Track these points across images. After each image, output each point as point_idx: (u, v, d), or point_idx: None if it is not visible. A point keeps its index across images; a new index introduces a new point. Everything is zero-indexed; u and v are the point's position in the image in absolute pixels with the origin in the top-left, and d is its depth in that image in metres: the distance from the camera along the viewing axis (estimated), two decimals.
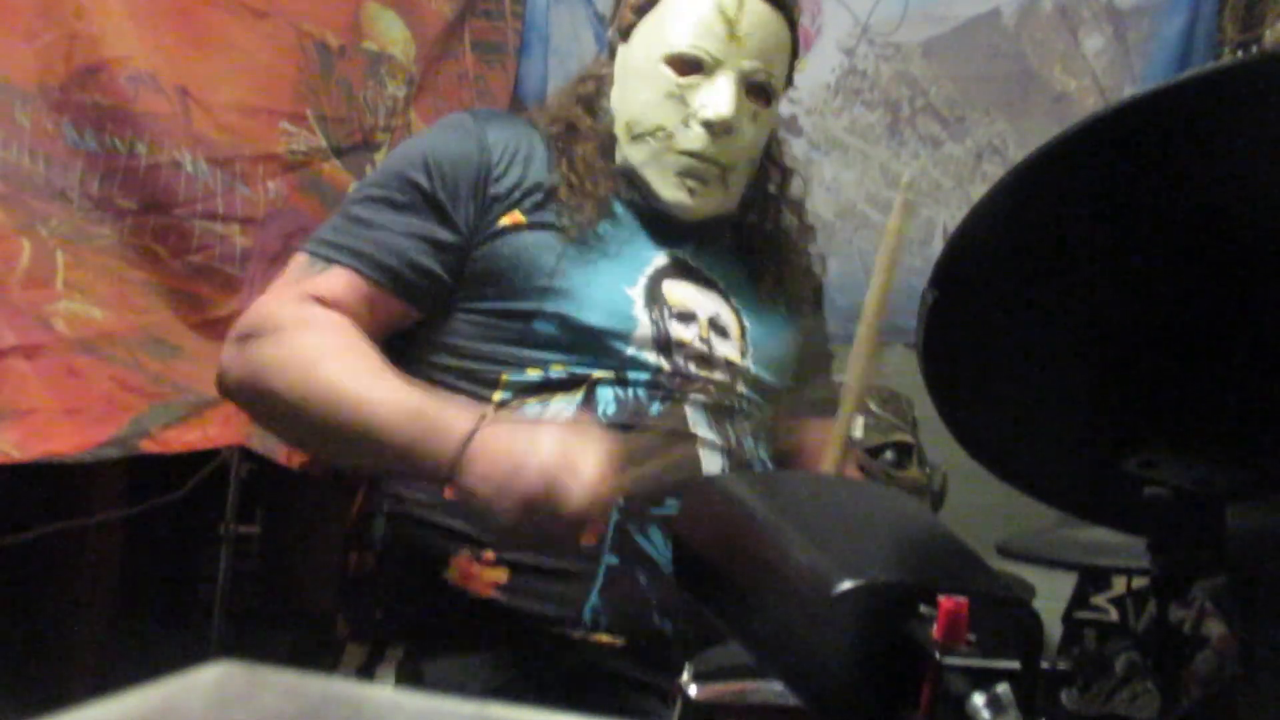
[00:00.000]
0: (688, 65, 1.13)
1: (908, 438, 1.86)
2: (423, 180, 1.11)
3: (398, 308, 1.11)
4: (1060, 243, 0.55)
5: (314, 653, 1.08)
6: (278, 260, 1.76)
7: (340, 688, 0.33)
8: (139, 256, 1.63)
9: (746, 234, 1.26)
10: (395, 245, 1.10)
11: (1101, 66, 2.15)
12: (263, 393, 1.04)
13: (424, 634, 1.05)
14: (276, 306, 1.08)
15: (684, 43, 1.12)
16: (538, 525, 0.91)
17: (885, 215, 2.23)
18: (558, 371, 1.08)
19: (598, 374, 1.08)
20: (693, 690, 0.68)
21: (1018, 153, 2.18)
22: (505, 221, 1.11)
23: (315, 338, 1.04)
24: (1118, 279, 0.55)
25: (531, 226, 1.12)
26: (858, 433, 1.83)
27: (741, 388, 1.16)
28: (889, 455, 1.84)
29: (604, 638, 1.02)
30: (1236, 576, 0.56)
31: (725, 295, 1.20)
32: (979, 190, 0.53)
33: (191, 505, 1.79)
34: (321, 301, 1.07)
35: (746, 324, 1.20)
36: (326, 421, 1.00)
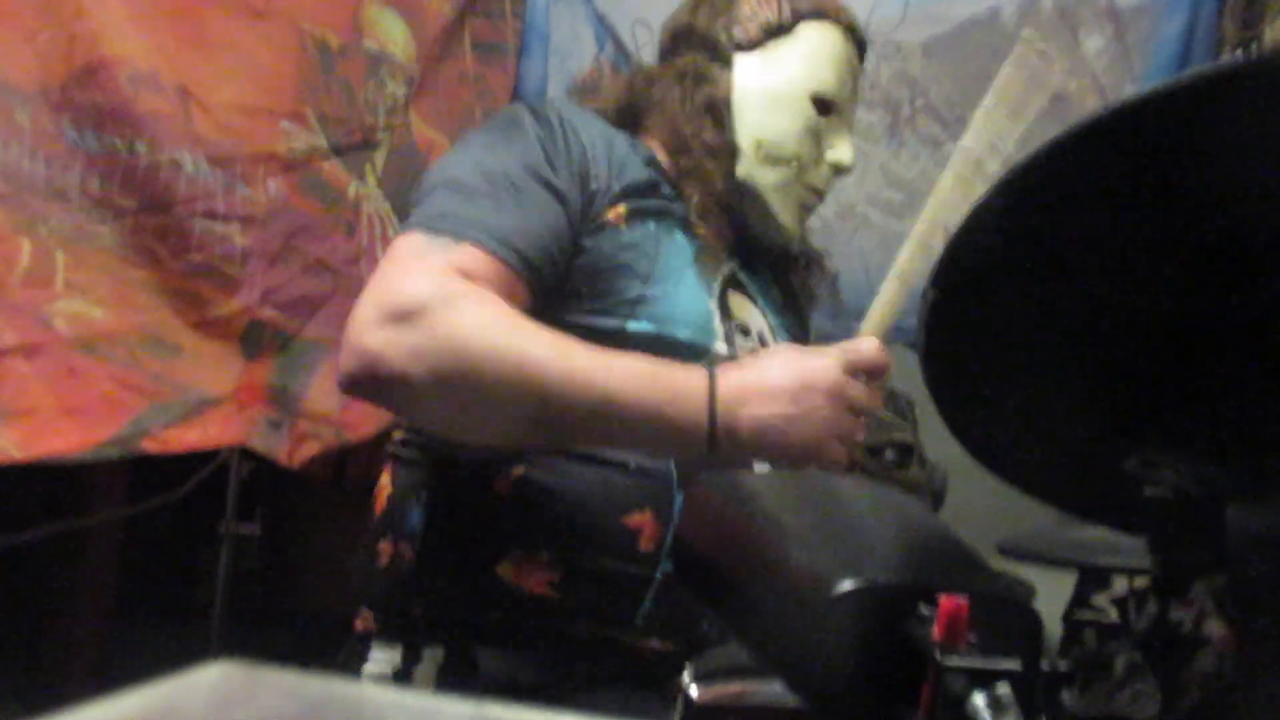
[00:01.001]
0: (825, 107, 1.19)
1: (908, 438, 1.85)
2: (543, 167, 1.07)
3: (519, 292, 1.02)
4: (1061, 242, 0.55)
5: (314, 653, 1.06)
6: (278, 260, 1.76)
7: (340, 688, 0.33)
8: (139, 256, 1.63)
9: (780, 263, 1.30)
10: (524, 227, 1.03)
11: (1101, 66, 2.15)
12: (456, 370, 0.92)
13: (467, 632, 1.03)
14: (435, 278, 0.96)
15: (830, 87, 1.19)
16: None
17: (885, 215, 2.23)
18: None
19: None
20: (693, 691, 0.68)
21: (1018, 153, 2.17)
22: (610, 215, 1.09)
23: (503, 310, 0.95)
24: (1118, 278, 0.55)
25: (630, 226, 1.10)
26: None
27: None
28: (889, 455, 1.84)
29: (653, 643, 1.02)
30: (1236, 576, 0.56)
31: (764, 314, 1.22)
32: (980, 191, 0.53)
33: (191, 505, 1.79)
34: (467, 273, 0.98)
35: (782, 341, 1.24)
36: (550, 399, 0.91)
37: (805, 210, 1.23)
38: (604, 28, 2.33)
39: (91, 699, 0.30)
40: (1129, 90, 2.05)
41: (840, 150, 1.20)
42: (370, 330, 0.94)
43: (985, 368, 0.61)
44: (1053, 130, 0.49)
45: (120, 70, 1.59)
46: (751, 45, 1.20)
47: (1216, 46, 2.06)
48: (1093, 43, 2.17)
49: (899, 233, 2.28)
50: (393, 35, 2.02)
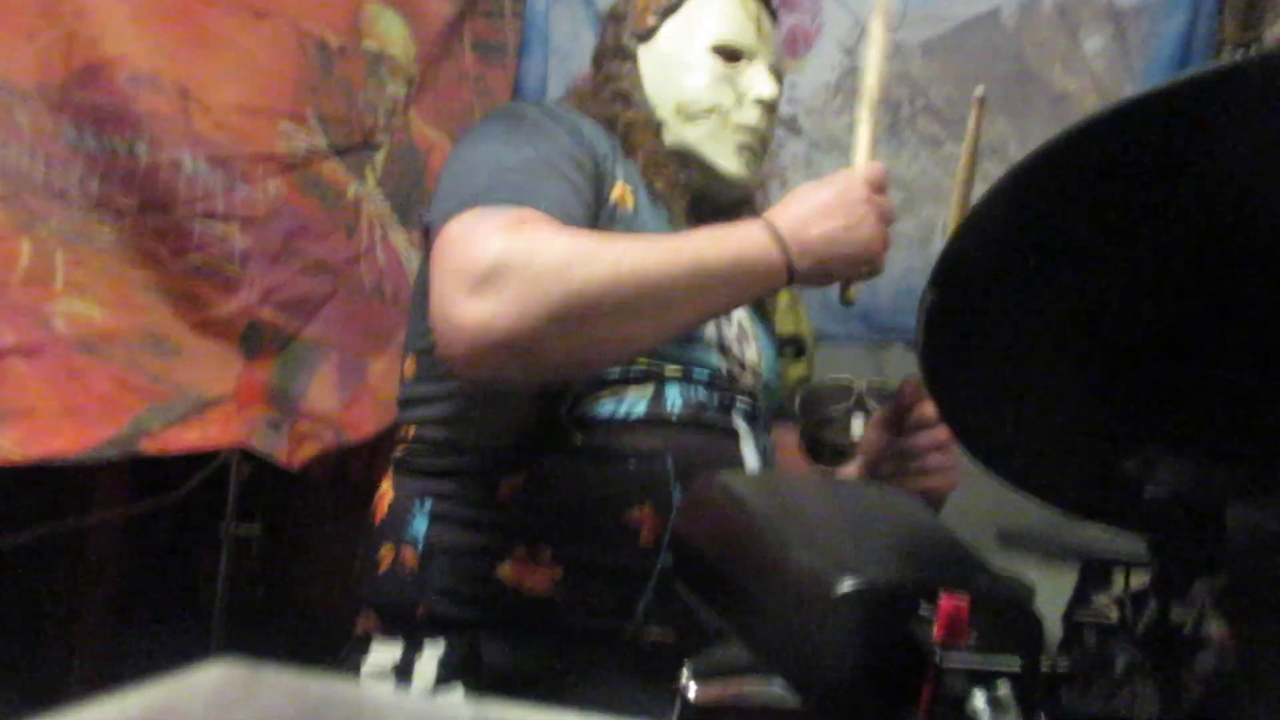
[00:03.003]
0: (731, 54, 1.24)
1: None
2: (559, 152, 1.09)
3: None
4: (1060, 242, 0.55)
5: (314, 653, 1.06)
6: (277, 260, 1.77)
7: (340, 688, 0.33)
8: (139, 256, 1.63)
9: None
10: (566, 200, 1.04)
11: (1101, 66, 2.15)
12: (558, 304, 0.91)
13: (469, 628, 1.05)
14: (502, 236, 0.95)
15: (728, 35, 1.24)
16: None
17: None
18: (638, 367, 1.09)
19: (669, 370, 1.10)
20: (692, 691, 0.68)
21: (1018, 153, 2.17)
22: (615, 193, 1.14)
23: (571, 235, 0.97)
24: (1118, 278, 0.55)
25: (637, 204, 1.15)
26: (857, 431, 1.84)
27: (760, 394, 1.21)
28: None
29: (654, 633, 1.04)
30: (1236, 576, 0.56)
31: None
32: (979, 190, 0.53)
33: (191, 505, 1.79)
34: (528, 223, 0.97)
35: (757, 332, 1.27)
36: (650, 286, 0.94)
37: (748, 151, 1.25)
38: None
39: (91, 699, 0.30)
40: (1129, 90, 2.05)
41: (759, 86, 1.24)
42: (464, 306, 0.92)
43: (984, 368, 0.61)
44: (1052, 130, 0.49)
45: (120, 70, 1.59)
46: (650, 32, 1.27)
47: (1216, 46, 2.06)
48: (1093, 43, 2.17)
49: (899, 232, 2.28)
50: (393, 35, 2.02)
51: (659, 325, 0.99)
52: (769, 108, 1.25)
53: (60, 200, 1.56)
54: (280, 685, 0.32)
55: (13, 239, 1.50)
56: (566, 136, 1.11)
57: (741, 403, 1.17)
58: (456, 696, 1.02)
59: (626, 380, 1.09)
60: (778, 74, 1.28)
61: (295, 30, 1.83)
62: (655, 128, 1.23)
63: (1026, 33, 2.20)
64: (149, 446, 1.57)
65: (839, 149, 2.26)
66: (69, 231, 1.56)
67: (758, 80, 1.24)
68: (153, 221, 1.64)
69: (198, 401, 1.64)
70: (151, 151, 1.62)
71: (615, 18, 1.32)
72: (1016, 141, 2.16)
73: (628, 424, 1.08)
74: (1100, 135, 0.49)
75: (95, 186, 1.59)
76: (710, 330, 1.15)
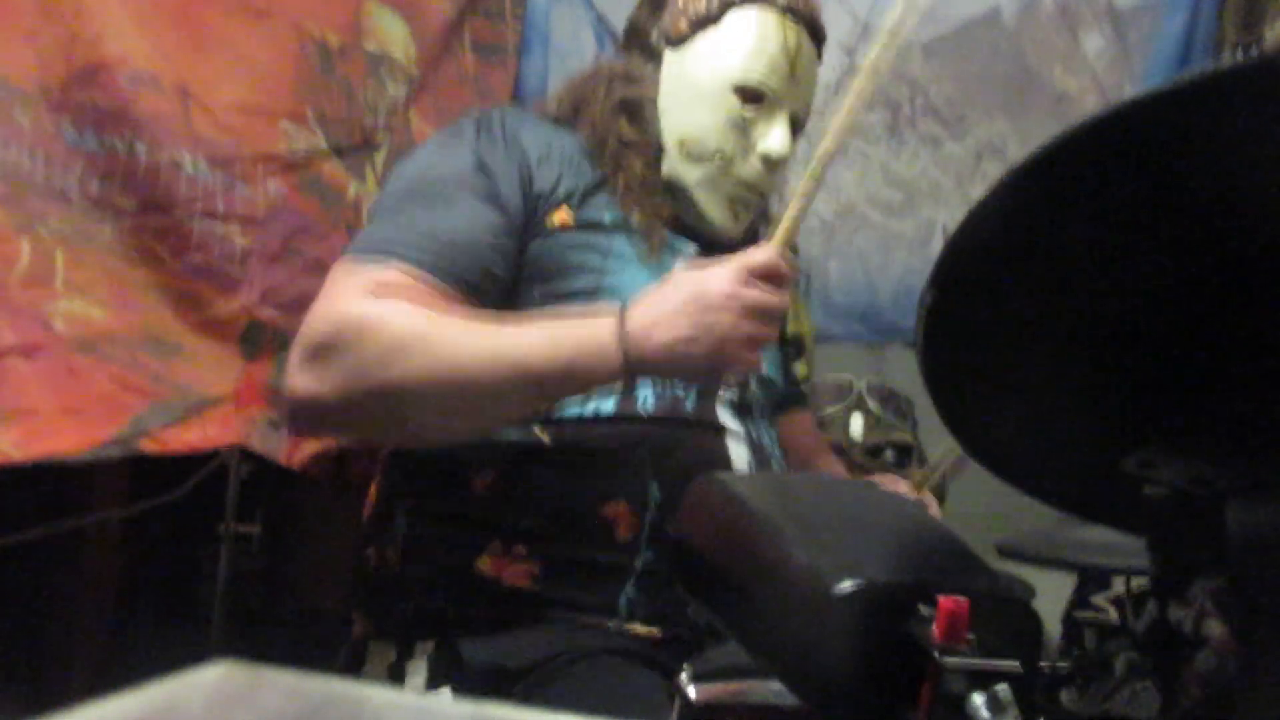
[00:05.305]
0: (752, 96, 1.15)
1: (908, 438, 1.86)
2: (475, 176, 1.09)
3: (447, 296, 1.05)
4: (1060, 242, 0.55)
5: (314, 653, 1.07)
6: (277, 260, 1.76)
7: (340, 688, 0.33)
8: (139, 256, 1.63)
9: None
10: (451, 237, 1.05)
11: (1101, 66, 2.15)
12: (376, 393, 0.97)
13: (455, 624, 1.05)
14: (343, 308, 1.00)
15: (754, 75, 1.15)
16: (761, 322, 0.97)
17: (885, 215, 2.23)
18: None
19: None
20: (692, 691, 0.68)
21: (1018, 152, 2.17)
22: (555, 219, 1.11)
23: (406, 319, 0.98)
24: (1118, 278, 0.55)
25: (580, 227, 1.12)
26: (857, 431, 1.84)
27: (754, 386, 1.20)
28: (889, 455, 1.84)
29: (640, 628, 1.04)
30: (1236, 576, 0.56)
31: None
32: (979, 190, 0.53)
33: (191, 505, 1.79)
34: (382, 289, 1.01)
35: None
36: (470, 387, 0.96)
37: (739, 205, 1.19)
38: (604, 28, 2.34)
39: (91, 699, 0.30)
40: (1129, 90, 2.05)
41: (770, 140, 1.16)
42: (296, 372, 1.01)
43: (984, 368, 0.61)
44: (1053, 130, 0.49)
45: (120, 70, 1.59)
46: (681, 40, 1.19)
47: (1216, 46, 2.06)
48: (1093, 43, 2.17)
49: (899, 232, 2.28)
50: (393, 36, 2.02)
51: (476, 421, 1.02)
52: (774, 164, 1.18)
53: (60, 200, 1.56)
54: (280, 685, 0.32)
55: (13, 239, 1.49)
56: (500, 157, 1.10)
57: (728, 394, 1.15)
58: (446, 697, 1.02)
59: None
60: (798, 122, 1.20)
61: (295, 30, 1.83)
62: (653, 154, 1.18)
63: (1026, 33, 2.20)
64: (149, 446, 1.57)
65: (839, 149, 2.26)
66: (69, 231, 1.55)
67: (771, 134, 1.16)
68: (153, 221, 1.63)
69: (198, 401, 1.64)
70: (151, 151, 1.61)
71: (653, 5, 1.24)
72: (1016, 141, 2.16)
73: (597, 421, 1.07)
74: (1100, 135, 0.49)
75: (95, 186, 1.59)
76: None
